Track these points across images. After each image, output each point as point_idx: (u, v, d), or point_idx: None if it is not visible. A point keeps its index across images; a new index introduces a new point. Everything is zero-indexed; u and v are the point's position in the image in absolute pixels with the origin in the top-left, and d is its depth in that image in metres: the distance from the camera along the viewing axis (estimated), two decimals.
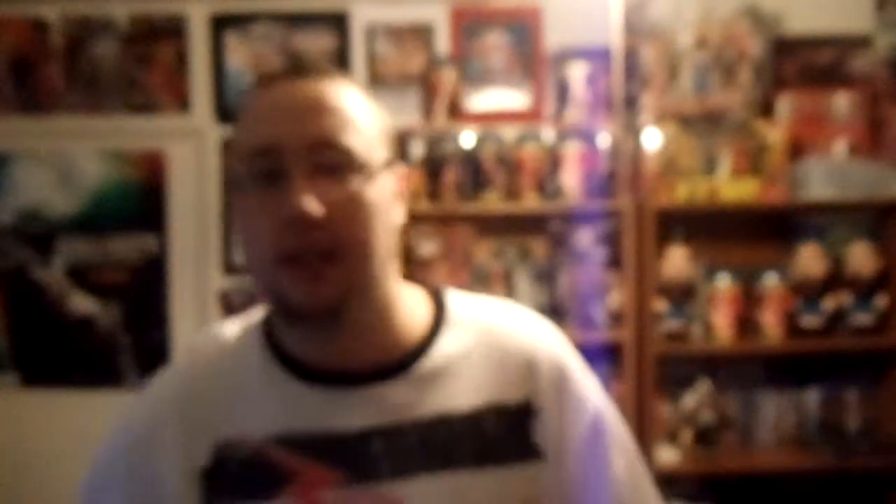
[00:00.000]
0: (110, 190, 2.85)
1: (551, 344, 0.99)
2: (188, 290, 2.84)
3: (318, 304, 0.86)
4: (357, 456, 0.89)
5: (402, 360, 0.92)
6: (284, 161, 0.86)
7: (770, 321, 2.66)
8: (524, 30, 2.83)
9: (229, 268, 2.84)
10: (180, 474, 0.90)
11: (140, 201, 2.85)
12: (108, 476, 0.95)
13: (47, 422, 2.84)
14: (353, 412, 0.90)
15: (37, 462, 2.82)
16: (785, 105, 2.75)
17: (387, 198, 0.91)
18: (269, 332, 0.95)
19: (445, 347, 0.94)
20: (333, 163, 0.87)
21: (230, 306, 2.82)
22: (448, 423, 0.91)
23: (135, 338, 2.84)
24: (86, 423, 2.85)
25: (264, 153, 0.87)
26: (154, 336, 2.84)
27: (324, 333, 0.90)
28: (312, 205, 0.84)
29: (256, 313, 0.99)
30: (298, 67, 0.94)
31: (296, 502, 0.88)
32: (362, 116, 0.91)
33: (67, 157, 2.85)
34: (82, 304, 2.85)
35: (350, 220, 0.87)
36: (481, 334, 0.96)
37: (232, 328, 0.99)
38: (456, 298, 0.99)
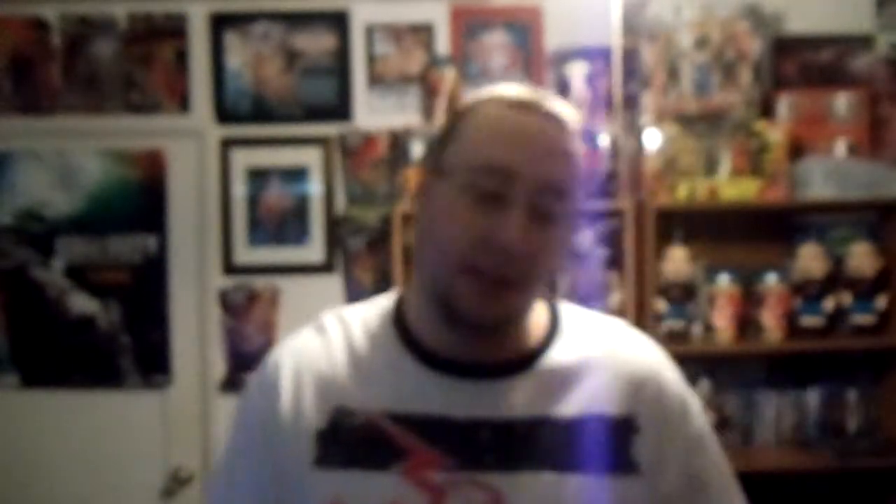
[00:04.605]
0: (110, 190, 2.85)
1: (657, 364, 1.04)
2: (188, 290, 2.84)
3: (488, 318, 0.93)
4: (465, 444, 0.93)
5: (519, 361, 0.98)
6: (512, 188, 0.90)
7: (770, 321, 2.65)
8: (524, 30, 2.83)
9: (229, 268, 2.84)
10: (299, 432, 0.96)
11: (140, 201, 2.85)
12: (246, 432, 1.03)
13: (47, 422, 2.83)
14: (467, 402, 0.95)
15: (36, 463, 2.82)
16: (785, 105, 2.75)
17: (568, 240, 0.97)
18: (399, 317, 1.01)
19: (558, 355, 1.00)
20: (551, 207, 0.92)
21: (230, 306, 2.82)
22: (553, 426, 0.95)
23: (135, 338, 2.84)
24: (86, 424, 2.87)
25: (493, 173, 0.91)
26: (154, 336, 2.84)
27: (470, 337, 0.96)
28: (524, 245, 0.89)
29: (385, 298, 1.06)
30: (550, 103, 0.96)
31: (405, 478, 0.92)
32: (581, 167, 0.96)
33: (67, 157, 2.85)
34: (82, 304, 2.84)
35: (542, 260, 0.93)
36: (590, 348, 1.01)
37: (359, 310, 1.05)
38: (569, 310, 1.06)
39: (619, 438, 0.96)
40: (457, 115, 0.98)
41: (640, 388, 0.99)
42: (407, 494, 0.92)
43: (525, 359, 0.98)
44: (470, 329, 0.94)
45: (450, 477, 0.92)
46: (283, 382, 1.00)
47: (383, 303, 1.05)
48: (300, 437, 0.96)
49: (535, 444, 0.94)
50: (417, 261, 1.00)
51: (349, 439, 0.95)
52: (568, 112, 0.96)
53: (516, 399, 0.95)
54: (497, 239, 0.89)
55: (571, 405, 0.96)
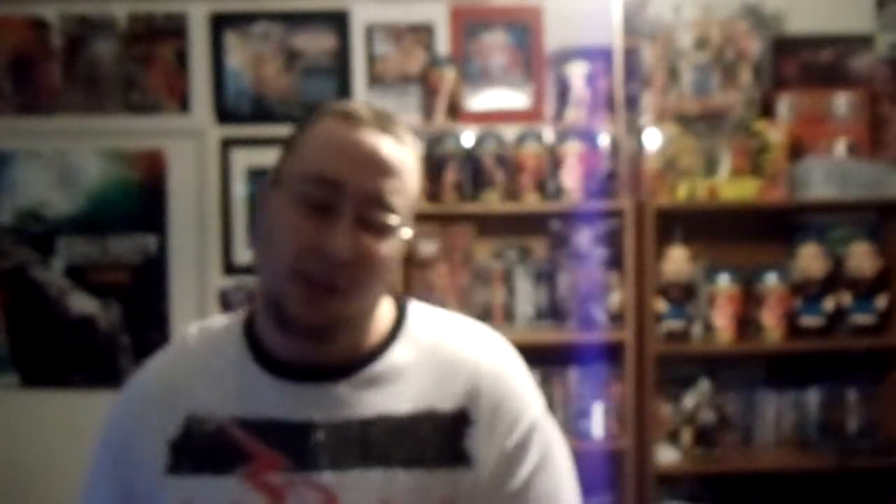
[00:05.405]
0: (110, 190, 2.85)
1: (497, 361, 1.06)
2: (188, 290, 2.84)
3: (312, 322, 0.96)
4: (302, 445, 0.97)
5: (355, 362, 1.01)
6: (340, 199, 0.94)
7: (770, 321, 2.66)
8: (524, 30, 2.84)
9: (229, 268, 2.84)
10: (154, 444, 1.00)
11: (140, 201, 2.85)
12: (104, 448, 1.07)
13: (46, 422, 2.84)
14: (302, 404, 0.99)
15: (35, 463, 2.82)
16: (785, 105, 2.75)
17: (397, 251, 1.00)
18: (249, 327, 1.06)
19: (396, 355, 1.03)
20: (376, 220, 0.96)
21: (230, 306, 2.82)
22: (386, 424, 0.99)
23: (135, 338, 2.84)
24: (85, 424, 2.86)
25: (323, 184, 0.95)
26: (154, 336, 2.84)
27: (302, 341, 0.99)
28: (349, 253, 0.94)
29: (243, 311, 1.10)
30: (385, 120, 1.00)
31: (245, 480, 0.97)
32: (411, 184, 1.01)
33: (67, 157, 2.85)
34: (82, 304, 2.85)
35: (366, 270, 0.96)
36: (432, 347, 1.05)
37: (220, 321, 1.10)
38: (417, 311, 1.09)
39: (452, 431, 0.99)
40: (298, 129, 1.02)
41: (476, 385, 1.02)
42: (248, 496, 0.96)
43: (361, 360, 1.02)
44: (300, 333, 0.97)
45: (288, 478, 0.97)
46: (135, 404, 1.05)
47: (239, 316, 1.09)
48: (153, 449, 1.00)
49: (367, 442, 0.98)
50: (258, 268, 1.03)
51: (201, 446, 0.99)
52: (404, 132, 1.02)
53: (349, 399, 0.99)
54: (324, 247, 0.93)
55: (404, 403, 1.00)
